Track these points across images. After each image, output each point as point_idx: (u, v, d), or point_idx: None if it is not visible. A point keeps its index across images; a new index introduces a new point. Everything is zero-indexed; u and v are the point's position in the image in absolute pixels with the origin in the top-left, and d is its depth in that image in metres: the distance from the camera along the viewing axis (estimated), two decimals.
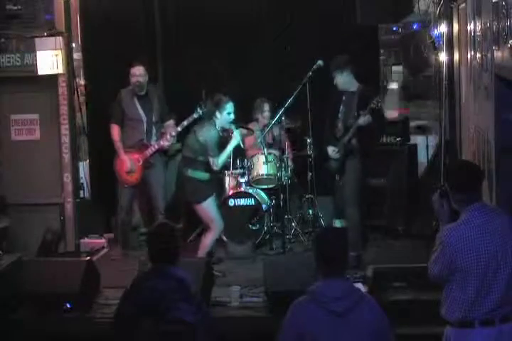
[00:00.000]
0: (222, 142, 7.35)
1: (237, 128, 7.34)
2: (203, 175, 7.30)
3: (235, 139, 7.31)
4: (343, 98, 7.44)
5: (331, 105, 7.56)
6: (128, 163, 7.90)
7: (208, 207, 7.31)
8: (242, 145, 7.72)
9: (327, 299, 3.76)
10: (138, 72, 7.90)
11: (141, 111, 7.97)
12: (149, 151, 7.93)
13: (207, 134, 7.21)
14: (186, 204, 7.83)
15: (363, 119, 7.17)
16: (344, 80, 7.37)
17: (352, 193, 7.38)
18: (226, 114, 7.24)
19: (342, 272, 3.90)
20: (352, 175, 7.38)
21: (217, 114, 7.23)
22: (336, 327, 3.75)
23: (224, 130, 7.34)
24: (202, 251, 7.30)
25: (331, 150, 7.47)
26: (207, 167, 7.27)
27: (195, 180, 7.29)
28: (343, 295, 3.78)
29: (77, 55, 9.06)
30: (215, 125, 7.26)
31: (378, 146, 8.00)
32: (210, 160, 7.22)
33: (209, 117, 7.31)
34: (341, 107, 7.45)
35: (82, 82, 9.22)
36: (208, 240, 7.35)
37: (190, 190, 7.35)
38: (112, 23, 9.07)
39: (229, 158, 7.72)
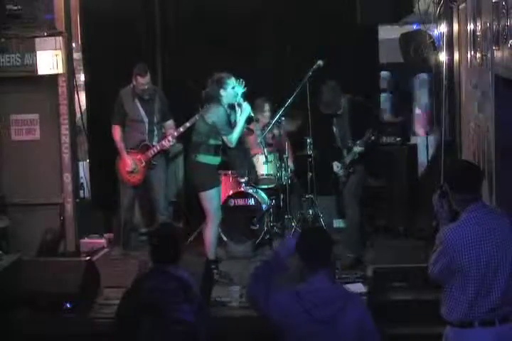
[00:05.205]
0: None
1: (244, 101, 7.21)
2: (214, 160, 7.19)
3: (245, 111, 7.18)
4: (334, 120, 7.54)
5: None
6: (131, 163, 7.89)
7: (214, 198, 7.15)
8: (253, 116, 7.46)
9: (310, 304, 3.76)
10: (146, 81, 7.85)
11: (142, 113, 7.94)
12: (151, 152, 7.92)
13: (214, 115, 7.11)
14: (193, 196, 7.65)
15: (358, 149, 7.27)
16: (342, 105, 7.44)
17: (352, 194, 7.42)
18: (230, 89, 7.15)
19: (326, 268, 3.87)
20: (354, 178, 7.46)
21: (222, 91, 7.12)
22: (319, 333, 3.76)
23: (231, 106, 7.21)
24: (209, 248, 7.13)
25: (336, 167, 7.57)
26: (217, 151, 7.17)
27: (205, 166, 7.13)
28: (328, 301, 3.77)
29: (77, 55, 9.06)
30: (222, 104, 7.15)
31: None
32: (224, 138, 7.10)
33: (213, 98, 7.17)
34: (335, 129, 7.57)
35: (82, 82, 9.22)
36: (209, 234, 7.15)
37: (199, 176, 7.16)
38: (112, 22, 9.06)
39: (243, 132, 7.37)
